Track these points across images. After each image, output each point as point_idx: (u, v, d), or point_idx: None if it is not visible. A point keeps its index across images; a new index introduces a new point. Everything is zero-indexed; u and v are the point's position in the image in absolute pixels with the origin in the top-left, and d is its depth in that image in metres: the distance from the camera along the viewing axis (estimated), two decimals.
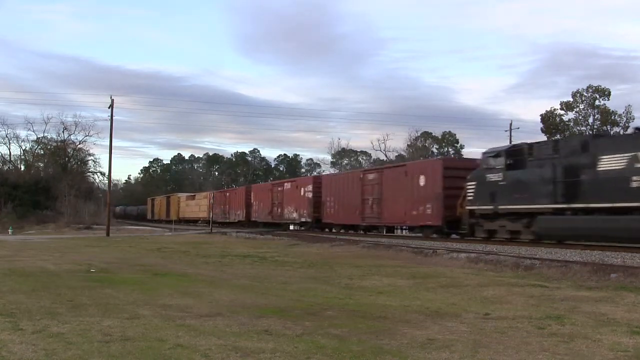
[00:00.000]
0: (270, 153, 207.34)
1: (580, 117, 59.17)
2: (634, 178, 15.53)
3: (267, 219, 41.75)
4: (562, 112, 59.45)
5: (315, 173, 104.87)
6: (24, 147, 71.52)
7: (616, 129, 56.04)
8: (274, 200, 40.62)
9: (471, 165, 23.67)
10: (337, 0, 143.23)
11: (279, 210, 39.78)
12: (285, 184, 40.47)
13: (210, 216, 50.39)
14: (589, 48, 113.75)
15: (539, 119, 60.02)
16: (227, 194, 52.73)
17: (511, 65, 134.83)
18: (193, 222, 59.96)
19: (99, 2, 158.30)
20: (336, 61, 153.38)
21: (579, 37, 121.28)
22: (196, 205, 58.93)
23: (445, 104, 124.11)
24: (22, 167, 70.16)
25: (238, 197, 48.42)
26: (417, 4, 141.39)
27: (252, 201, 45.21)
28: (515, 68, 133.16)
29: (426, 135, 77.11)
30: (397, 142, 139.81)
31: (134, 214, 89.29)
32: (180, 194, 69.85)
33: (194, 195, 64.29)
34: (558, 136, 55.65)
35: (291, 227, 39.68)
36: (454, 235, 24.47)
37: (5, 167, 67.93)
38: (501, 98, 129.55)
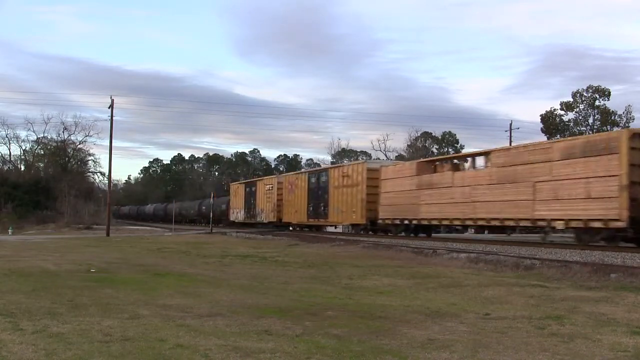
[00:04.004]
0: (269, 153, 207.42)
1: (580, 117, 59.21)
2: None
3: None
4: (562, 112, 59.53)
5: None
6: (24, 147, 71.62)
7: (616, 129, 56.05)
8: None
9: None
10: (332, 2, 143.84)
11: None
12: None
13: (210, 215, 47.08)
14: (581, 49, 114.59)
15: (535, 119, 60.33)
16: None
17: (506, 66, 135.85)
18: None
19: (99, 3, 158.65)
20: (333, 62, 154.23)
21: (572, 38, 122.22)
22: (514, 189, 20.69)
23: (441, 105, 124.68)
24: (22, 167, 70.20)
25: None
26: (411, 6, 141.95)
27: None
28: (510, 69, 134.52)
29: (426, 135, 77.15)
30: (397, 142, 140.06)
31: (190, 214, 60.51)
32: (374, 162, 32.50)
33: (487, 152, 22.91)
34: (558, 136, 55.68)
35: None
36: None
37: (5, 167, 67.94)
38: (497, 99, 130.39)
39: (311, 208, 34.50)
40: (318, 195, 33.75)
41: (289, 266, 15.88)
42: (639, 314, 8.01)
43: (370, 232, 29.33)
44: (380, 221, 27.78)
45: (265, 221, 41.09)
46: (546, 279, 11.99)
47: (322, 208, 33.09)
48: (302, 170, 41.82)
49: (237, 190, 49.00)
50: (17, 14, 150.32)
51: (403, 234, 26.42)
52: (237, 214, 47.78)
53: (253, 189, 44.53)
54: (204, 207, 56.69)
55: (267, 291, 10.56)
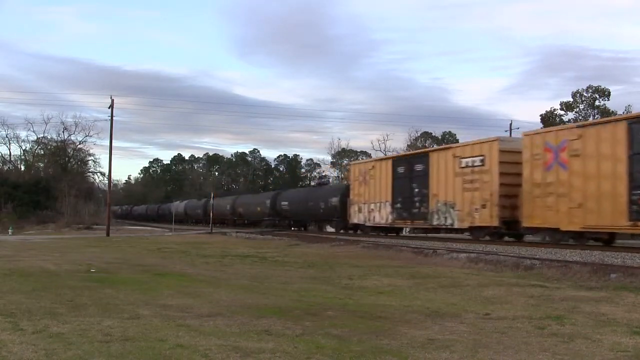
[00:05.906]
0: (268, 153, 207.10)
1: (580, 118, 59.17)
2: None
3: None
4: (562, 112, 59.55)
5: (315, 174, 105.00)
6: (24, 147, 71.59)
7: None
8: None
9: None
10: (331, 2, 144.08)
11: None
12: None
13: (211, 215, 46.41)
14: (579, 50, 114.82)
15: (534, 119, 60.29)
16: None
17: (505, 66, 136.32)
18: None
19: (99, 3, 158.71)
20: (332, 63, 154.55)
21: (570, 39, 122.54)
22: None
23: (440, 105, 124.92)
24: (22, 167, 70.18)
25: None
26: (409, 7, 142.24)
27: None
28: (509, 69, 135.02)
29: (426, 135, 77.13)
30: (397, 143, 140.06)
31: (255, 213, 43.80)
32: None
33: None
34: None
35: None
36: None
37: (6, 167, 67.95)
38: (496, 99, 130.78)
39: None
40: None
41: (289, 266, 15.88)
42: (639, 314, 8.01)
43: None
44: None
45: (459, 225, 22.86)
46: (546, 279, 12.00)
47: None
48: (612, 117, 19.92)
49: (371, 173, 28.44)
50: (17, 14, 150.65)
51: None
52: (374, 212, 28.21)
53: (418, 167, 25.17)
54: (284, 204, 38.41)
55: (267, 291, 10.56)
